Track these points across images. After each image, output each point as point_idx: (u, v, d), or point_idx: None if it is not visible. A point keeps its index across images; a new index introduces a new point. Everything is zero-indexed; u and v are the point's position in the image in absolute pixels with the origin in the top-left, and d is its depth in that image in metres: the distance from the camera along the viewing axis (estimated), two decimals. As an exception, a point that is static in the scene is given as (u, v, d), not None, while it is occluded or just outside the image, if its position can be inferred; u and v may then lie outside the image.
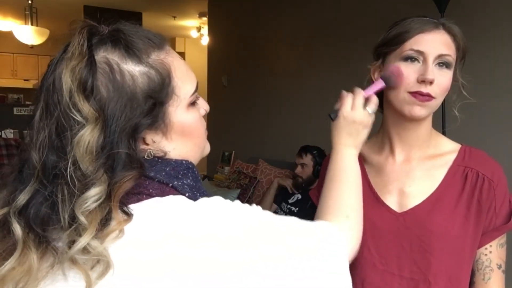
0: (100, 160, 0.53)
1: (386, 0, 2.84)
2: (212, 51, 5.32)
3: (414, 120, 0.92)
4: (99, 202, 0.52)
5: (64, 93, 0.54)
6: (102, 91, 0.56)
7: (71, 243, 0.51)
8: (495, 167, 0.93)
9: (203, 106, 0.70)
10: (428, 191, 0.93)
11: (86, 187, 0.52)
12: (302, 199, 3.03)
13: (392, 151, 0.99)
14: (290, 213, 3.04)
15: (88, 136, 0.53)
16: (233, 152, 4.65)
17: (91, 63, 0.55)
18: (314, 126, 3.54)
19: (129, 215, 0.54)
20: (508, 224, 0.91)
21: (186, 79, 0.65)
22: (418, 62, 0.89)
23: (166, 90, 0.60)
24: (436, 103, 0.90)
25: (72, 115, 0.53)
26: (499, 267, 0.93)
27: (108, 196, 0.53)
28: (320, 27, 3.48)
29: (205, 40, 6.07)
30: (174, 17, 6.40)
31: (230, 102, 4.84)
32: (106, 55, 0.57)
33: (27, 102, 7.77)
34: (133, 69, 0.58)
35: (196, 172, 0.66)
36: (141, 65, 0.59)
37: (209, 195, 0.63)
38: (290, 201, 3.10)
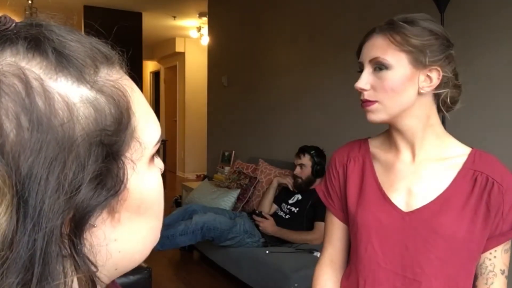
0: (9, 279, 0.27)
1: (387, 1, 2.84)
2: (212, 51, 5.32)
3: (379, 124, 0.95)
4: None
5: None
6: (6, 130, 0.28)
7: None
8: (505, 172, 0.92)
9: (160, 165, 0.42)
10: (436, 192, 0.93)
11: None
12: (302, 199, 3.03)
13: (398, 150, 0.99)
14: (290, 213, 3.04)
15: None
16: (233, 152, 4.65)
17: None
18: (314, 126, 3.54)
19: None
20: None
21: (149, 117, 0.39)
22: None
23: (124, 134, 0.34)
24: (386, 105, 0.92)
25: None
26: (503, 272, 0.93)
27: None
28: (320, 27, 3.48)
29: (205, 40, 6.07)
30: (174, 17, 6.40)
31: (230, 102, 4.84)
32: (17, 63, 0.30)
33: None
34: (69, 92, 0.31)
35: None
36: (82, 86, 0.32)
37: None
38: (290, 201, 3.10)
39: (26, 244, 0.27)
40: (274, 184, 3.27)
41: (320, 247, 1.34)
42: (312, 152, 3.03)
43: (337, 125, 3.29)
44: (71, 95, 0.31)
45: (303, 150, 3.07)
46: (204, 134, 5.69)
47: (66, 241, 0.30)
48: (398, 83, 0.90)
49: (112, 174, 0.33)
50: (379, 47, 0.90)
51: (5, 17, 0.33)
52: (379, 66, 0.90)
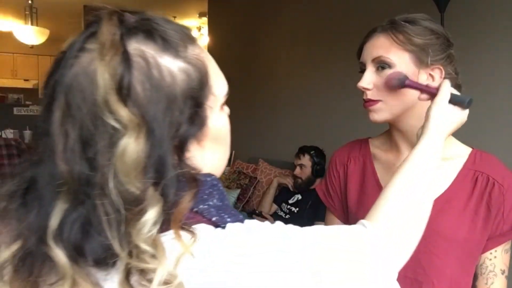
0: (148, 175, 0.45)
1: (386, 1, 2.84)
2: (212, 51, 5.31)
3: (382, 123, 0.94)
4: (157, 226, 0.44)
5: (96, 92, 0.44)
6: (138, 91, 0.46)
7: (143, 275, 0.43)
8: (505, 172, 0.92)
9: (227, 110, 0.63)
10: (437, 192, 0.93)
11: (139, 210, 0.44)
12: (302, 199, 3.03)
13: (399, 150, 0.99)
14: (290, 213, 3.04)
15: (134, 147, 0.44)
16: (233, 152, 4.65)
17: (126, 57, 0.46)
18: (314, 126, 3.54)
19: (194, 234, 0.46)
20: None
21: (219, 76, 0.60)
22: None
23: (205, 90, 0.52)
24: (389, 105, 0.91)
25: (106, 120, 0.44)
26: (503, 272, 0.93)
27: (165, 220, 0.45)
28: (320, 27, 3.49)
29: (205, 40, 6.07)
30: (174, 17, 6.40)
31: (230, 102, 4.79)
32: (139, 47, 0.48)
33: (27, 102, 7.76)
34: (171, 65, 0.49)
35: (221, 189, 0.57)
36: (178, 60, 0.50)
37: (236, 214, 0.54)
38: (290, 201, 3.10)
39: (155, 157, 0.45)
40: (274, 184, 3.27)
41: (320, 247, 1.33)
42: (312, 152, 3.03)
43: (337, 125, 3.29)
44: (172, 67, 0.49)
45: (303, 150, 3.06)
46: (204, 134, 5.68)
47: (176, 157, 0.49)
48: None
49: (199, 116, 0.51)
50: (382, 46, 0.89)
51: (127, 15, 0.51)
52: (382, 65, 0.89)
